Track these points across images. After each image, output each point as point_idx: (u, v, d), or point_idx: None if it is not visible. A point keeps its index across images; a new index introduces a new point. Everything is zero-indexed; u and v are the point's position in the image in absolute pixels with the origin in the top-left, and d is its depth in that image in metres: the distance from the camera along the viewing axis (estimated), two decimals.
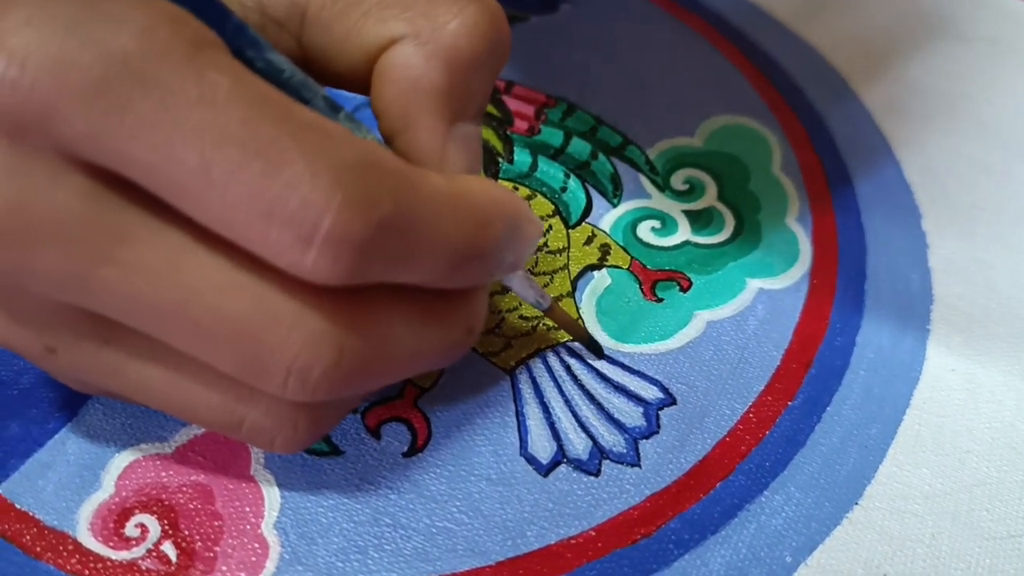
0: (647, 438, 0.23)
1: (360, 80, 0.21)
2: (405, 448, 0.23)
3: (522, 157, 0.30)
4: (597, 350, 0.25)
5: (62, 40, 0.15)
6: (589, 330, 0.25)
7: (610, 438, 0.23)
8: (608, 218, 0.29)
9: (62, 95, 0.15)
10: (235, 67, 0.16)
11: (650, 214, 0.29)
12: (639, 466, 0.23)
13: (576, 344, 0.25)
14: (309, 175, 0.15)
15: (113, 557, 0.21)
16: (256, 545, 0.21)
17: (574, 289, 0.27)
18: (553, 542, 0.22)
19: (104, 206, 0.16)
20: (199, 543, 0.21)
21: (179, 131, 0.15)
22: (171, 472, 0.22)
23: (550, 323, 0.25)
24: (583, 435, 0.23)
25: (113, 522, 0.21)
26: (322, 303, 0.17)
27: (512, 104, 0.32)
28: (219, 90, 0.16)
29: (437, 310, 0.19)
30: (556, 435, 0.23)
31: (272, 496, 0.22)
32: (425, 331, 0.19)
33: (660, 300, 0.27)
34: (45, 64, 0.15)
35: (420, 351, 0.19)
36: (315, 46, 0.20)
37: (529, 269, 0.27)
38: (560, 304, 0.26)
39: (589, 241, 0.28)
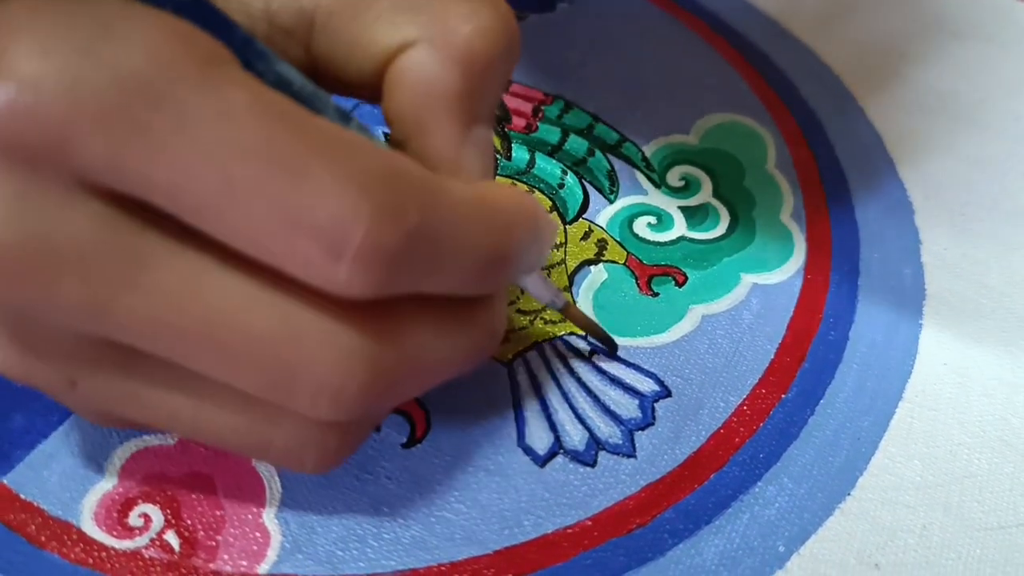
0: (643, 430, 0.24)
1: (369, 86, 0.20)
2: (404, 439, 0.23)
3: (520, 154, 0.30)
4: (612, 346, 0.25)
5: (76, 64, 0.15)
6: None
7: (606, 429, 0.24)
8: (605, 214, 0.29)
9: (78, 120, 0.15)
10: (251, 82, 0.16)
11: (646, 210, 0.29)
12: (635, 457, 0.23)
13: (572, 338, 0.25)
14: (336, 187, 0.15)
15: (117, 546, 0.21)
16: (257, 534, 0.21)
17: (571, 284, 0.27)
18: (550, 531, 0.22)
19: (122, 232, 0.16)
20: (201, 532, 0.21)
21: (200, 150, 0.15)
22: (173, 463, 0.22)
23: (548, 317, 0.26)
24: (580, 426, 0.24)
25: (117, 512, 0.21)
26: (350, 317, 0.17)
27: (510, 102, 0.32)
28: (237, 106, 0.15)
29: (461, 317, 0.19)
30: (553, 426, 0.24)
31: (273, 486, 0.22)
32: (451, 339, 0.19)
33: (656, 294, 0.27)
34: (59, 89, 0.15)
35: (448, 359, 0.19)
36: (323, 53, 0.20)
37: None
38: None
39: (586, 236, 0.28)
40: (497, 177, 0.30)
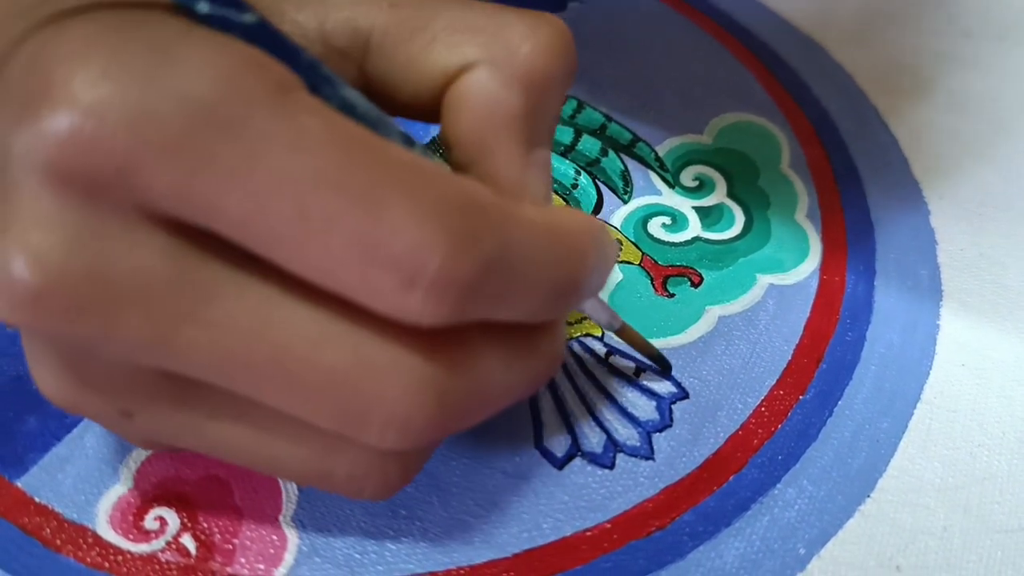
0: (660, 432, 0.24)
1: (426, 107, 0.20)
2: None
3: None
4: (666, 367, 0.25)
5: (141, 91, 0.14)
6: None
7: (624, 431, 0.24)
8: (619, 214, 0.29)
9: (145, 149, 0.14)
10: (323, 109, 0.15)
11: (661, 210, 0.29)
12: (653, 459, 0.23)
13: (588, 339, 0.25)
14: (413, 217, 0.15)
15: (133, 550, 0.21)
16: (274, 537, 0.21)
17: None
18: (569, 534, 0.22)
19: (187, 263, 0.16)
20: (218, 536, 0.21)
21: (273, 179, 0.15)
22: (189, 466, 0.22)
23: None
24: (597, 429, 0.24)
25: (132, 515, 0.21)
26: (419, 347, 0.16)
27: None
28: (311, 134, 0.15)
29: (524, 343, 0.18)
30: (570, 428, 0.23)
31: (289, 489, 0.22)
32: (516, 366, 0.18)
33: (671, 295, 0.27)
34: (125, 117, 0.14)
35: (512, 386, 0.18)
36: (378, 74, 0.20)
37: None
38: None
39: None
40: None
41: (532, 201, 0.19)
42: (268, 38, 0.16)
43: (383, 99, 0.20)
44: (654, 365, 0.25)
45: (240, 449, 0.18)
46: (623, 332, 0.24)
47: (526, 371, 0.19)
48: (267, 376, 0.16)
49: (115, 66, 0.15)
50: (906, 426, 0.24)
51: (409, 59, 0.19)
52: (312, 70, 0.17)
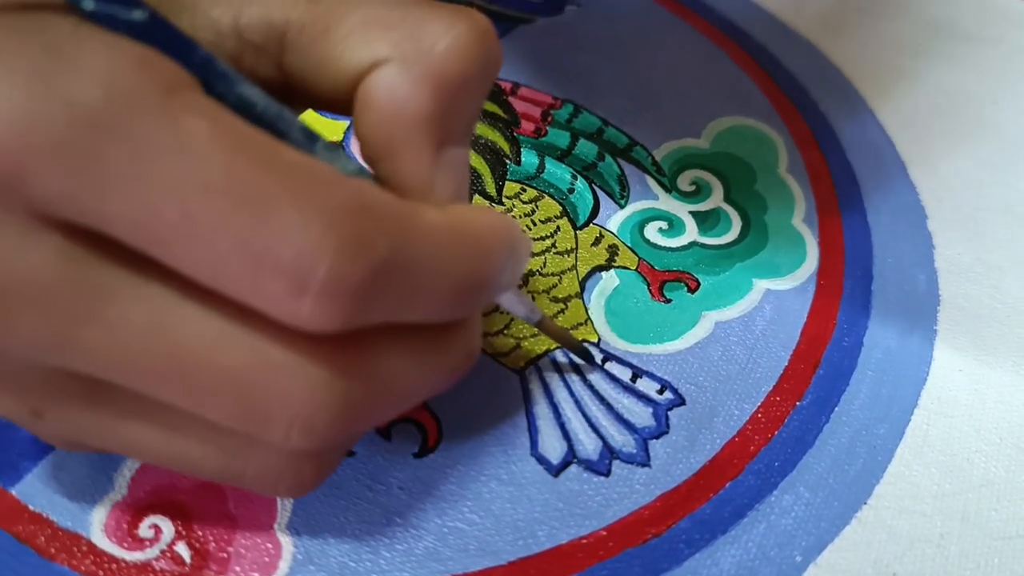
0: (657, 438, 0.24)
1: (343, 103, 0.20)
2: (416, 448, 0.23)
3: (529, 158, 0.30)
4: (588, 358, 0.25)
5: (24, 94, 0.14)
6: (596, 331, 0.25)
7: (620, 438, 0.23)
8: (616, 219, 0.29)
9: (29, 153, 0.14)
10: (212, 108, 0.15)
11: (657, 215, 0.29)
12: (649, 466, 0.23)
13: (585, 344, 0.25)
14: (300, 222, 0.15)
15: (127, 558, 0.21)
16: (269, 546, 0.21)
17: (582, 290, 0.27)
18: (564, 542, 0.22)
19: (82, 265, 0.16)
20: (212, 544, 0.21)
21: (157, 183, 0.15)
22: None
23: (560, 322, 0.25)
24: (593, 435, 0.23)
25: (127, 523, 0.21)
26: (320, 349, 0.16)
27: (518, 106, 0.32)
28: (197, 136, 0.15)
29: (435, 339, 0.18)
30: (566, 435, 0.23)
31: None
32: (425, 362, 0.18)
33: (668, 301, 0.27)
34: (7, 121, 0.14)
35: (422, 383, 0.18)
36: (295, 69, 0.19)
37: (538, 270, 0.27)
38: (569, 306, 0.26)
39: (597, 242, 0.28)
40: (507, 182, 0.29)
41: (440, 201, 0.19)
42: (159, 35, 0.16)
43: (302, 94, 0.20)
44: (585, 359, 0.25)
45: (151, 449, 0.19)
46: (543, 324, 0.23)
47: (437, 368, 0.19)
48: (166, 376, 0.16)
49: (2, 69, 0.15)
50: (903, 432, 0.24)
51: (323, 55, 0.19)
52: (207, 66, 0.16)
